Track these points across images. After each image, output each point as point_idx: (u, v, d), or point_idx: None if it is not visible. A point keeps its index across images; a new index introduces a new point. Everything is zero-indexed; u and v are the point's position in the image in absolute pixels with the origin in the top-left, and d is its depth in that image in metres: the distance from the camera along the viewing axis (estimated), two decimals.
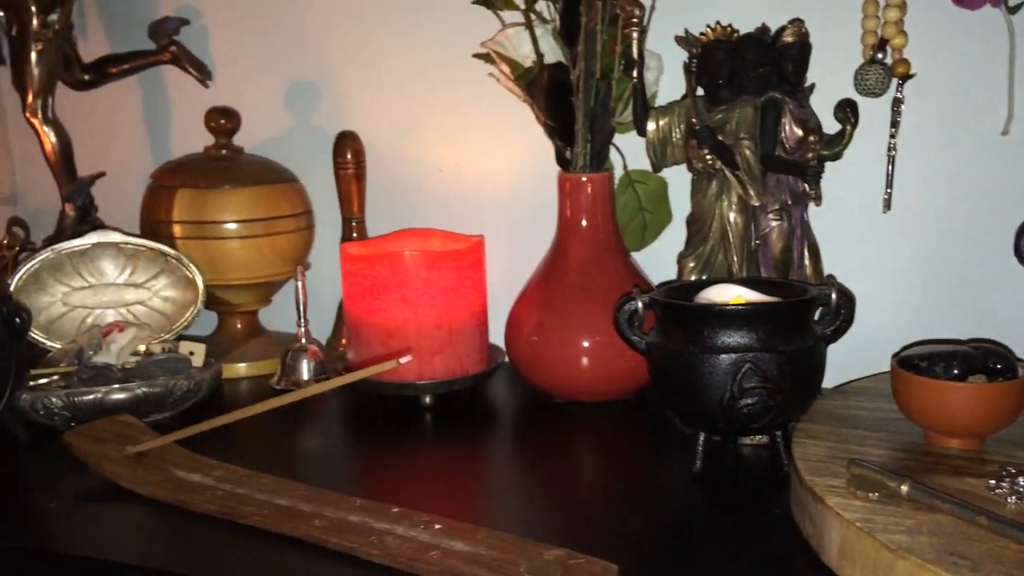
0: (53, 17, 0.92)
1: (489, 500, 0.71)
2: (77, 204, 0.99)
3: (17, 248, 0.91)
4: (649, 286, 0.85)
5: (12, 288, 0.85)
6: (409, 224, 0.99)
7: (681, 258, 0.79)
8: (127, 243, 0.91)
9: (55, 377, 0.80)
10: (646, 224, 0.92)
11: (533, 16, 0.81)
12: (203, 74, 1.06)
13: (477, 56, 0.90)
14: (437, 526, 0.59)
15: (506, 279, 0.96)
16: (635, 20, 0.76)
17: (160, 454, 0.71)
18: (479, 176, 1.02)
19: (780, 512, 0.62)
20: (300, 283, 0.93)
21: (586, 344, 0.82)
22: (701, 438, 0.68)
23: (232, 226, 0.94)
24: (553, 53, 0.82)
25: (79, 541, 0.63)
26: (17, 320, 0.72)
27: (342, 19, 1.04)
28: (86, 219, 1.00)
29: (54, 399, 0.77)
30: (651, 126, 0.78)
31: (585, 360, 0.82)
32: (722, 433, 0.68)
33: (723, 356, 0.63)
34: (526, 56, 0.82)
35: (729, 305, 0.64)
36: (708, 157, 0.72)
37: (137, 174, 1.15)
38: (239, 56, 1.09)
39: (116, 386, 0.78)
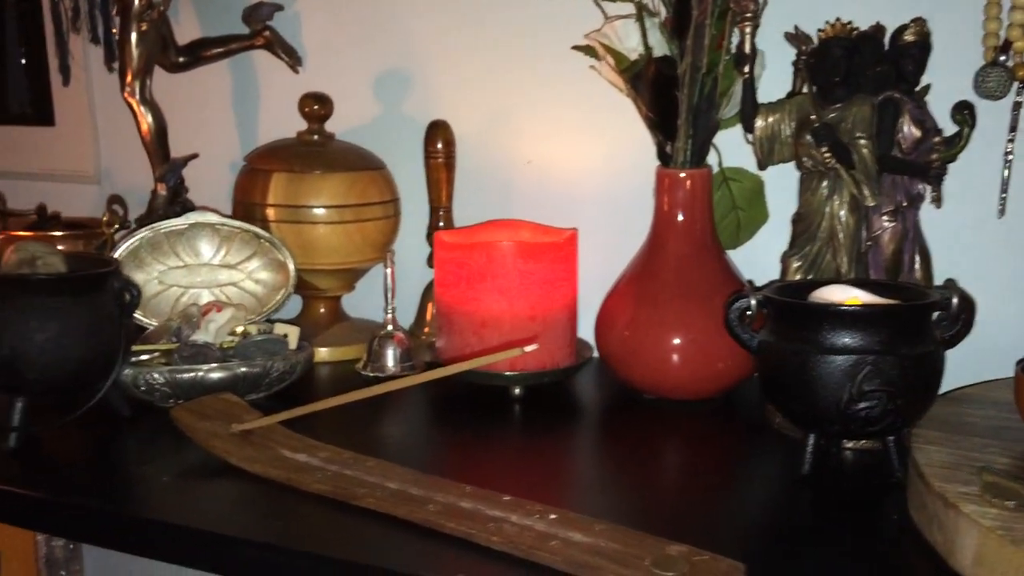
0: None
1: (587, 493, 0.71)
2: (170, 185, 1.00)
3: (116, 226, 0.92)
4: (744, 285, 0.85)
5: None
6: (494, 214, 0.99)
7: (786, 257, 0.78)
8: (223, 224, 0.92)
9: (156, 354, 0.81)
10: (740, 222, 0.91)
11: (642, 9, 0.80)
12: (294, 60, 1.07)
13: (577, 48, 0.90)
14: (552, 516, 0.59)
15: (590, 273, 0.95)
16: (748, 15, 0.75)
17: (264, 433, 0.72)
18: (568, 169, 1.02)
19: (898, 517, 0.61)
20: (389, 270, 0.94)
21: (682, 341, 0.82)
22: (811, 440, 0.67)
23: (325, 211, 0.94)
24: (659, 47, 0.82)
25: (191, 513, 0.63)
26: (127, 296, 0.73)
27: (435, 8, 1.04)
28: (177, 200, 1.01)
29: (156, 375, 0.78)
30: (759, 123, 0.78)
31: (681, 357, 0.82)
32: (836, 436, 0.67)
33: (842, 357, 0.62)
34: (632, 49, 0.82)
35: (852, 305, 0.63)
36: (826, 155, 0.71)
37: (223, 156, 1.16)
38: (329, 43, 1.09)
39: (216, 365, 0.79)
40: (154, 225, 0.89)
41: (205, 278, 0.93)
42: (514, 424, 0.83)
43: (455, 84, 1.05)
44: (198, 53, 1.05)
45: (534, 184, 1.03)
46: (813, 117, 0.72)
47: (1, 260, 0.73)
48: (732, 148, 0.89)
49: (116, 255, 0.87)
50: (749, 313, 0.68)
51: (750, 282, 0.68)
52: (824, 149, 0.71)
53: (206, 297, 0.92)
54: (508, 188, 1.04)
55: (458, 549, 0.57)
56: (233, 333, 0.85)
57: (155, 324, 0.88)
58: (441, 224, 1.00)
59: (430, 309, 1.02)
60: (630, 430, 0.82)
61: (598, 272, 0.94)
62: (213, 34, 1.09)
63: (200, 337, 0.83)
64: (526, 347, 0.58)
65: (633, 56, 0.82)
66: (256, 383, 0.81)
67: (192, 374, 0.78)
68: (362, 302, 1.07)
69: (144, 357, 0.81)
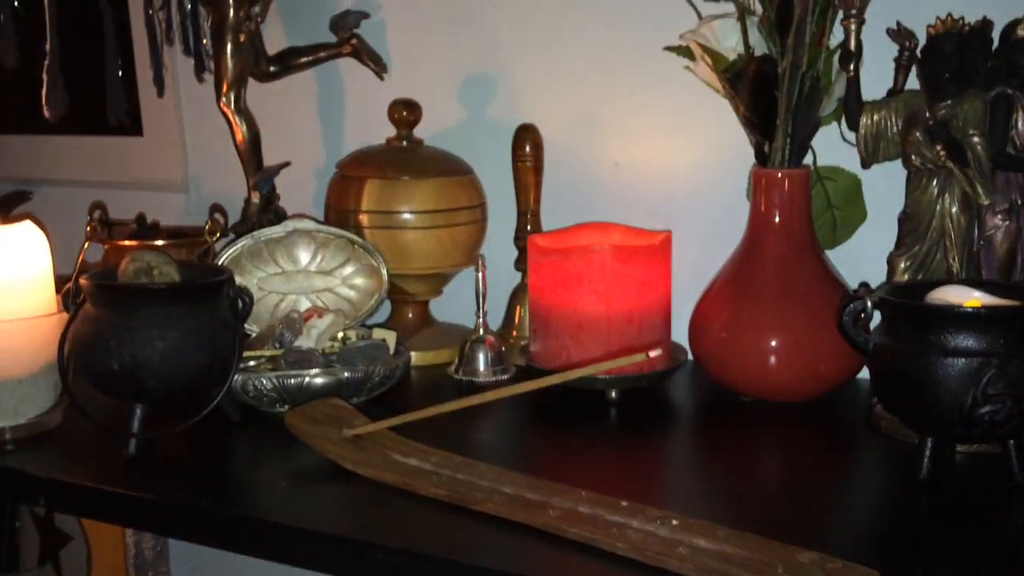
0: (256, 9, 0.95)
1: (693, 498, 0.70)
2: (263, 192, 1.02)
3: (218, 234, 0.94)
4: (844, 286, 0.83)
5: None
6: (580, 217, 0.99)
7: (893, 258, 0.77)
8: (320, 231, 0.93)
9: (262, 359, 0.83)
10: (836, 221, 0.90)
11: (744, 9, 0.80)
12: (379, 67, 1.08)
13: (670, 49, 0.89)
14: (674, 522, 0.58)
15: (677, 275, 0.94)
16: (854, 12, 0.74)
17: (374, 438, 0.73)
18: (655, 170, 1.01)
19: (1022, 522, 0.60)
20: (481, 274, 0.94)
21: (784, 343, 0.81)
22: (929, 444, 0.66)
23: (418, 216, 0.95)
24: (758, 46, 0.81)
25: (310, 516, 0.64)
26: (240, 303, 0.74)
27: (518, 13, 1.04)
28: (270, 207, 1.03)
29: (264, 381, 0.79)
30: (864, 120, 0.77)
31: (782, 359, 0.81)
32: (956, 440, 0.66)
33: (965, 360, 0.61)
34: (731, 49, 0.81)
35: (977, 307, 0.62)
36: (941, 153, 0.69)
37: (306, 163, 1.18)
38: (415, 49, 1.10)
39: (321, 370, 0.81)
40: (255, 233, 0.91)
41: (301, 284, 0.94)
42: (612, 428, 0.83)
43: (539, 88, 1.05)
44: (288, 62, 1.07)
45: (621, 186, 1.03)
46: (928, 115, 0.71)
47: (117, 269, 0.75)
48: (827, 147, 0.87)
49: (220, 262, 0.89)
50: (863, 315, 0.67)
51: (864, 284, 0.67)
52: (939, 147, 0.70)
53: (303, 303, 0.93)
54: (594, 191, 1.04)
55: (581, 555, 0.57)
56: (334, 338, 0.86)
57: (256, 330, 0.89)
58: (529, 228, 1.00)
59: (518, 312, 1.02)
60: (731, 433, 0.81)
61: (684, 275, 0.93)
62: (297, 42, 1.11)
63: (303, 343, 0.85)
64: (651, 352, 0.58)
65: (732, 56, 0.81)
66: (358, 388, 0.82)
67: (298, 379, 0.80)
68: (446, 306, 1.08)
69: (251, 363, 0.82)
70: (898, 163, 0.80)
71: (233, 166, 1.20)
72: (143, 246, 0.94)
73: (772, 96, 0.80)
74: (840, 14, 0.78)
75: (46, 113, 0.97)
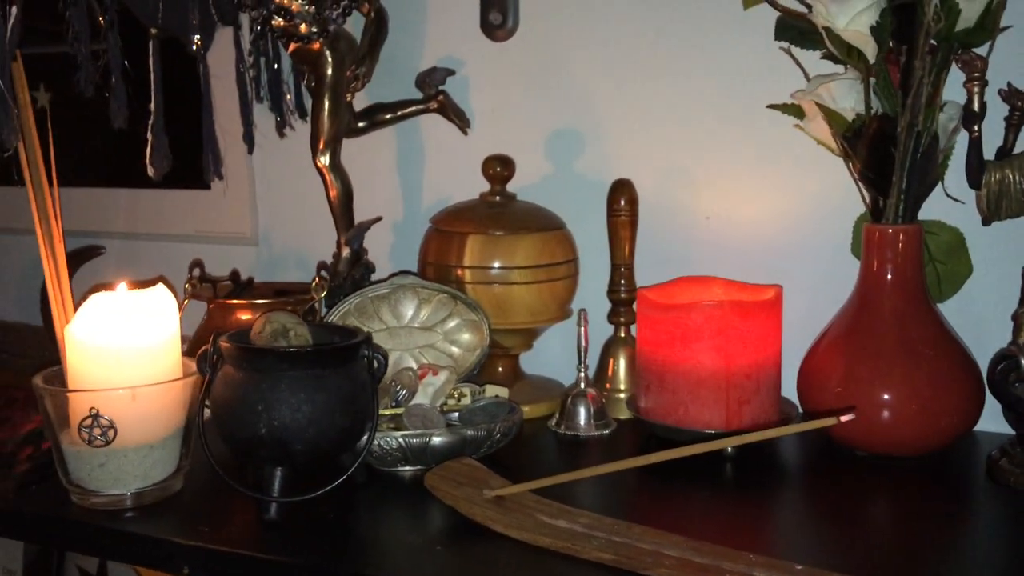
0: (362, 70, 0.96)
1: (829, 555, 0.69)
2: (354, 248, 1.02)
3: (324, 292, 0.94)
4: (960, 341, 0.84)
5: None
6: (671, 270, 1.00)
7: (1018, 315, 0.78)
8: (424, 287, 0.93)
9: (384, 418, 0.82)
10: (939, 276, 0.91)
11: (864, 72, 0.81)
12: (464, 123, 1.09)
13: (774, 106, 0.91)
14: None
15: None
16: (977, 74, 0.76)
17: (515, 498, 0.72)
18: (746, 224, 1.02)
19: None
20: (583, 328, 0.94)
21: (904, 398, 0.81)
22: None
23: (520, 271, 0.95)
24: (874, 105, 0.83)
25: None
26: (375, 364, 0.74)
27: (607, 67, 1.05)
28: (359, 262, 1.03)
29: (391, 440, 0.78)
30: (987, 179, 0.78)
31: (904, 414, 0.81)
32: None
33: None
34: (848, 108, 0.82)
35: None
36: None
37: (385, 217, 1.18)
38: (499, 105, 1.11)
39: (446, 429, 0.80)
40: (363, 290, 0.91)
41: (404, 340, 0.94)
42: (730, 483, 0.83)
43: (627, 142, 1.06)
44: (375, 118, 1.07)
45: (713, 239, 1.03)
46: None
47: (249, 331, 0.74)
48: (928, 201, 0.89)
49: (329, 319, 0.88)
50: (1014, 373, 0.68)
51: (1015, 343, 0.68)
52: None
53: (406, 360, 0.93)
54: (683, 243, 1.05)
55: None
56: (450, 395, 0.86)
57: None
58: (623, 282, 1.00)
59: (611, 365, 1.02)
60: (854, 488, 0.81)
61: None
62: (378, 99, 1.11)
63: (419, 400, 0.84)
64: (843, 416, 0.58)
65: (849, 116, 0.82)
66: (479, 446, 0.82)
67: (423, 439, 0.79)
68: (531, 359, 1.07)
69: None
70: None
71: (303, 219, 1.21)
72: (250, 304, 0.93)
73: (888, 153, 0.81)
74: (947, 74, 0.80)
75: (150, 172, 0.97)
